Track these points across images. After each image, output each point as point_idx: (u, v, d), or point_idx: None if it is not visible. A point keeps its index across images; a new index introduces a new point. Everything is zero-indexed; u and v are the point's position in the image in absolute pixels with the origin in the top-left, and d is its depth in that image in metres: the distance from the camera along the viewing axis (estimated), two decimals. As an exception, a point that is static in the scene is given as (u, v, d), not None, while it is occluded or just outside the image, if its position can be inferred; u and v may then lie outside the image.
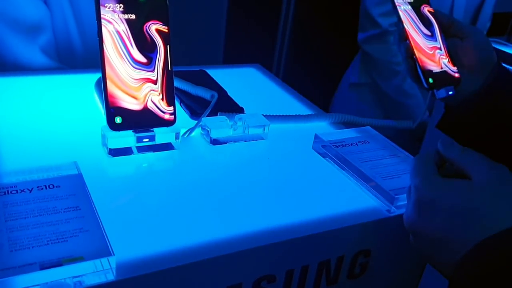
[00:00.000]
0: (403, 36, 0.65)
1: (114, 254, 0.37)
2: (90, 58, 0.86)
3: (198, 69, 0.82)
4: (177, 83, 0.71)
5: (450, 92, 0.65)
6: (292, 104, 0.78)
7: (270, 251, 0.46)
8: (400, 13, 0.65)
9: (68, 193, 0.43)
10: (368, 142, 0.63)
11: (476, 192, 0.41)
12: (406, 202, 0.50)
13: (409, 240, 0.46)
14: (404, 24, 0.64)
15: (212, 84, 0.77)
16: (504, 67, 0.66)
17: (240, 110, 0.69)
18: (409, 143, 0.82)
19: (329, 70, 1.52)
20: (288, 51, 1.64)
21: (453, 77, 0.66)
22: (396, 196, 0.52)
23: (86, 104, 0.67)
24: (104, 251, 0.37)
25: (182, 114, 0.68)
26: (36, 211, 0.40)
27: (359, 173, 0.56)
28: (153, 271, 0.40)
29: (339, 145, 0.61)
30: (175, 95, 0.69)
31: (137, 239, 0.43)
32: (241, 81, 0.85)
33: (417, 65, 0.64)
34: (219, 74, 0.82)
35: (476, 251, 0.38)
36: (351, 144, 0.62)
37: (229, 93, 0.75)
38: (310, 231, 0.48)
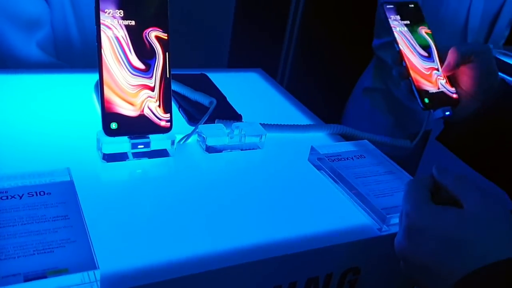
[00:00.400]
0: (399, 57, 0.65)
1: (99, 267, 0.37)
2: (89, 54, 0.86)
3: (199, 72, 0.81)
4: (176, 88, 0.71)
5: (447, 113, 0.65)
6: (291, 112, 0.78)
7: (258, 267, 0.46)
8: (396, 34, 0.65)
9: (58, 200, 0.44)
10: (364, 157, 0.63)
11: (467, 223, 0.40)
12: (398, 221, 0.50)
13: (399, 263, 0.46)
14: (399, 45, 0.65)
15: (212, 89, 0.77)
16: (508, 84, 0.66)
17: (238, 118, 0.69)
18: (410, 152, 0.82)
19: (335, 78, 1.52)
20: (294, 57, 1.63)
21: (451, 97, 0.66)
22: (388, 215, 0.52)
23: (84, 105, 0.67)
24: (89, 263, 0.37)
25: (180, 119, 0.68)
26: (25, 218, 0.41)
27: (352, 189, 0.56)
28: (139, 284, 0.40)
29: (334, 159, 0.61)
30: (173, 100, 0.70)
31: (125, 250, 0.43)
32: (242, 86, 0.84)
33: (413, 85, 0.64)
34: (220, 78, 0.82)
35: (465, 283, 0.38)
36: (347, 158, 0.62)
37: (228, 99, 0.75)
38: (300, 248, 0.48)
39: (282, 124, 0.69)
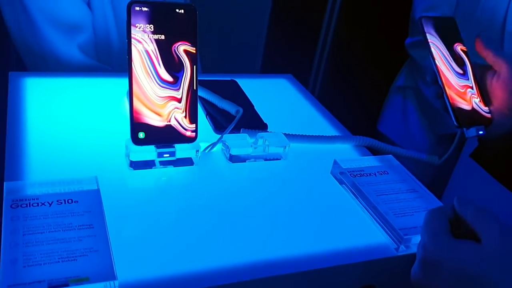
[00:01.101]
0: (435, 75, 0.64)
1: (117, 278, 0.39)
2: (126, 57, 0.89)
3: (229, 79, 0.83)
4: (205, 95, 0.72)
5: (481, 132, 0.64)
6: (318, 121, 0.79)
7: (273, 283, 0.47)
8: (433, 50, 0.64)
9: (85, 209, 0.46)
10: (388, 173, 0.63)
11: (484, 259, 0.40)
12: (416, 242, 0.51)
13: None
14: (436, 61, 0.64)
15: (240, 96, 0.78)
16: None
17: (264, 127, 0.70)
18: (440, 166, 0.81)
19: (366, 88, 1.51)
20: (326, 65, 1.63)
21: (484, 117, 0.65)
22: (405, 236, 0.52)
23: (117, 110, 0.70)
24: (109, 274, 0.40)
25: (207, 126, 0.69)
26: (52, 226, 0.43)
27: (372, 207, 0.56)
28: (155, 294, 0.42)
29: (356, 174, 0.61)
30: (202, 107, 0.72)
31: (147, 259, 0.45)
32: (271, 93, 0.85)
33: (447, 102, 0.64)
34: (250, 84, 0.83)
35: None
36: (370, 174, 0.62)
37: (256, 105, 0.76)
38: (316, 265, 0.49)
39: (307, 134, 0.69)
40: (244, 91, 0.80)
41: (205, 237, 0.50)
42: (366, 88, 1.49)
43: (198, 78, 0.78)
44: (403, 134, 1.25)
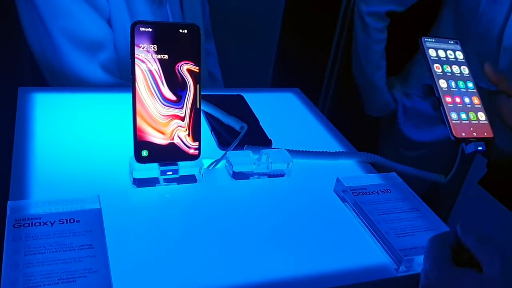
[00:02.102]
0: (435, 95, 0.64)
1: (114, 300, 0.40)
2: None
3: (236, 93, 0.84)
4: (211, 110, 0.73)
5: (480, 148, 0.64)
6: (324, 136, 0.79)
7: (269, 303, 0.47)
8: (433, 72, 0.64)
9: (86, 228, 0.47)
10: (390, 191, 0.63)
11: None
12: (418, 262, 0.51)
13: None
14: (436, 81, 0.64)
15: (246, 111, 0.78)
16: None
17: (268, 143, 0.71)
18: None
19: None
20: (336, 81, 1.63)
21: (485, 135, 0.64)
22: (405, 257, 0.52)
23: (125, 126, 0.70)
24: (107, 295, 0.40)
25: (211, 142, 0.70)
26: (53, 246, 0.44)
27: (373, 226, 0.56)
28: (152, 315, 0.42)
29: (359, 193, 0.61)
30: (207, 122, 0.72)
31: (147, 279, 0.46)
32: (277, 107, 0.86)
33: (444, 117, 0.63)
34: (257, 99, 0.84)
35: None
36: (372, 192, 0.62)
37: (262, 120, 0.76)
38: (315, 286, 0.49)
39: (310, 150, 0.69)
40: (251, 106, 0.81)
41: (206, 256, 0.50)
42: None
43: (205, 93, 0.79)
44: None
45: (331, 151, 0.71)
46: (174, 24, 0.57)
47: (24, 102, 0.71)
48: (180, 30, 0.57)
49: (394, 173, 0.67)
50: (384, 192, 0.62)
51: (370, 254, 0.55)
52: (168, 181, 0.60)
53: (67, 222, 0.47)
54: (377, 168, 0.72)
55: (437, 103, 0.65)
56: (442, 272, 0.43)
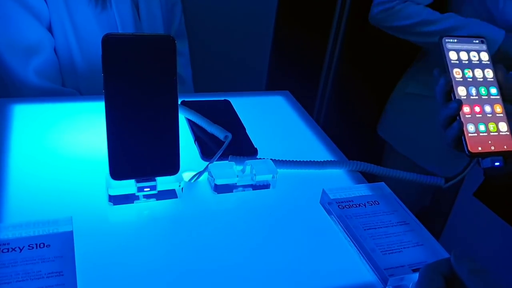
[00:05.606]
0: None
1: (81, 334, 0.38)
2: (94, 78, 0.88)
3: (223, 98, 0.81)
4: (195, 118, 0.71)
5: (497, 163, 0.60)
6: (312, 142, 0.76)
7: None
8: (453, 76, 0.61)
9: (56, 254, 0.45)
10: (378, 203, 0.61)
11: None
12: (405, 281, 0.49)
13: None
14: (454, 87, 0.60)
15: (232, 117, 0.76)
16: None
17: (254, 153, 0.69)
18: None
19: (366, 110, 1.48)
20: (332, 86, 1.60)
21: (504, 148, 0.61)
22: (391, 277, 0.50)
23: (97, 138, 0.67)
24: (73, 329, 0.39)
25: (194, 152, 0.68)
26: (21, 275, 0.42)
27: (358, 243, 0.54)
28: None
29: (345, 206, 0.59)
30: (191, 131, 0.70)
31: (116, 305, 0.44)
32: (265, 112, 0.84)
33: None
34: (245, 103, 0.82)
35: None
36: (359, 205, 0.60)
37: (249, 126, 0.74)
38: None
39: (297, 160, 0.67)
40: (238, 111, 0.78)
41: (189, 277, 0.49)
42: (367, 111, 1.46)
43: (191, 99, 0.77)
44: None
45: (319, 159, 0.69)
46: (147, 36, 0.54)
47: None
48: (154, 41, 0.54)
49: (383, 183, 0.65)
50: (371, 204, 0.60)
51: (356, 272, 0.53)
52: (147, 197, 0.58)
53: (36, 247, 0.45)
54: (369, 176, 0.69)
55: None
56: None
